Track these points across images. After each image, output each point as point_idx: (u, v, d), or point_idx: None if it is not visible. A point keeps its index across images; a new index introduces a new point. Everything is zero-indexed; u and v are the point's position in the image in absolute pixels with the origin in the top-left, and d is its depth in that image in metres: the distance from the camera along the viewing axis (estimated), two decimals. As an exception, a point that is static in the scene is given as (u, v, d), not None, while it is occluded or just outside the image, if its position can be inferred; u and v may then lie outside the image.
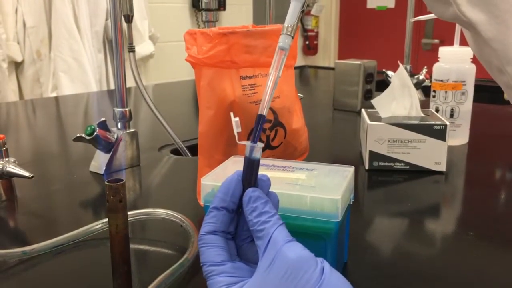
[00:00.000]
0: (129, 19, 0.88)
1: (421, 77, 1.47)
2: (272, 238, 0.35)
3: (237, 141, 0.40)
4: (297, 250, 0.34)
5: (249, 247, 0.39)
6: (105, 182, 0.39)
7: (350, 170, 0.51)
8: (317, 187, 0.47)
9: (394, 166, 0.83)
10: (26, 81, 2.15)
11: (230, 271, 0.36)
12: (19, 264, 0.53)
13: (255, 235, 0.36)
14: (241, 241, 0.39)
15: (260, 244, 0.35)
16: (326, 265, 0.34)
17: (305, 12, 0.41)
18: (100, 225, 0.57)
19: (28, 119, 1.43)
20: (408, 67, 1.53)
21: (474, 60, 0.97)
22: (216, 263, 0.36)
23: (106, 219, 0.57)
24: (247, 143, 0.38)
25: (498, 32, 0.40)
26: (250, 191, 0.38)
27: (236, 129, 0.40)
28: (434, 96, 1.00)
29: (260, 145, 0.38)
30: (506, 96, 0.46)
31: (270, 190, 0.40)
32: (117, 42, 0.83)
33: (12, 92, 2.09)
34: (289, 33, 0.39)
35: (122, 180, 0.40)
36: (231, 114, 0.41)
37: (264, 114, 0.38)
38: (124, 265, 0.42)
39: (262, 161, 0.55)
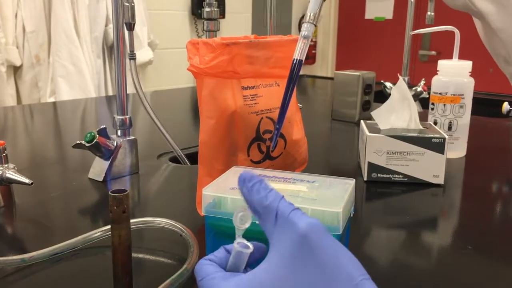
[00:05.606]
0: (130, 27, 0.88)
1: (419, 89, 1.48)
2: (279, 212, 0.33)
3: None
4: (307, 219, 0.33)
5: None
6: (109, 193, 0.39)
7: (351, 182, 0.51)
8: (318, 199, 0.47)
9: (393, 178, 0.83)
10: (24, 86, 2.15)
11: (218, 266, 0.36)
12: (17, 271, 0.53)
13: (260, 216, 0.35)
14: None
15: (268, 222, 0.34)
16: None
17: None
18: (99, 233, 0.57)
19: (26, 124, 1.42)
20: (406, 78, 1.54)
21: (473, 74, 0.98)
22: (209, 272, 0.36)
23: (106, 227, 0.57)
24: (236, 246, 0.35)
25: (506, 23, 0.40)
26: (243, 174, 0.36)
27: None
28: (432, 109, 1.00)
29: (249, 250, 0.35)
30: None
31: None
32: (119, 50, 0.83)
33: (10, 96, 2.09)
34: (311, 21, 0.39)
35: (126, 190, 0.40)
36: None
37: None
38: (126, 276, 0.42)
39: (263, 172, 0.55)
